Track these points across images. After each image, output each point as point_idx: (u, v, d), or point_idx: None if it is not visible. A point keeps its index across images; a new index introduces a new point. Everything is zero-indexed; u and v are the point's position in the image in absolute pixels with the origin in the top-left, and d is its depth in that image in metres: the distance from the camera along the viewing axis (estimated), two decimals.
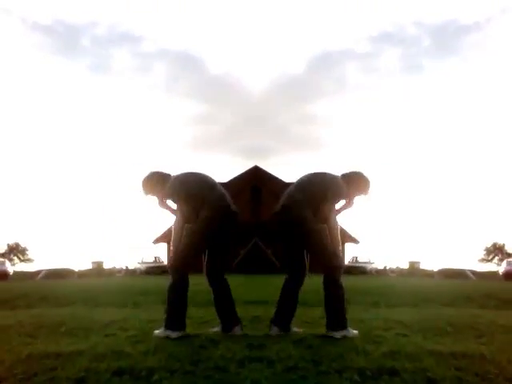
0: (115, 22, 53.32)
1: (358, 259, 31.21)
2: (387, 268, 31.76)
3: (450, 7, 54.41)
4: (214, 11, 51.85)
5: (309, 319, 4.13)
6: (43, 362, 2.49)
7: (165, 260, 30.42)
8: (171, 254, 3.46)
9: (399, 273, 31.33)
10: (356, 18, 54.10)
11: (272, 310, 3.47)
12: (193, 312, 4.61)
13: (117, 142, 59.35)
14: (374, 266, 30.73)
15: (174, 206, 3.47)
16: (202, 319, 4.10)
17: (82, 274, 29.85)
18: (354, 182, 3.46)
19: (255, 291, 8.04)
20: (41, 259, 49.47)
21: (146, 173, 3.51)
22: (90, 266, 33.09)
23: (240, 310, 3.88)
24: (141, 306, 5.65)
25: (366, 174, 3.52)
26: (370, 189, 3.49)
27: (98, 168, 56.48)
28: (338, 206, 3.50)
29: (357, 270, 27.29)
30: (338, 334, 3.20)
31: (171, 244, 3.47)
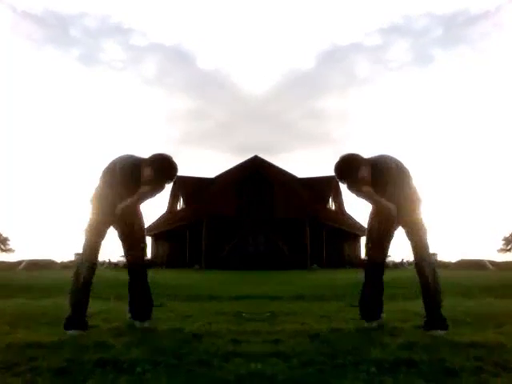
0: (106, 13, 52.81)
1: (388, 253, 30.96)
2: (404, 261, 31.50)
3: None
4: (218, 6, 51.42)
5: (325, 313, 4.11)
6: (24, 352, 2.48)
7: (149, 253, 30.58)
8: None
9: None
10: (365, 10, 53.27)
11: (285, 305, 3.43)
12: (176, 306, 4.74)
13: (104, 134, 59.14)
14: (390, 259, 30.53)
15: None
16: (186, 313, 4.12)
17: (65, 266, 29.65)
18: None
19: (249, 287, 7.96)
20: (22, 250, 48.96)
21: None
22: (72, 258, 32.51)
23: (226, 306, 3.90)
24: (124, 299, 5.48)
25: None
26: None
27: (85, 159, 55.89)
28: None
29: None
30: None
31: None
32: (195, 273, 17.36)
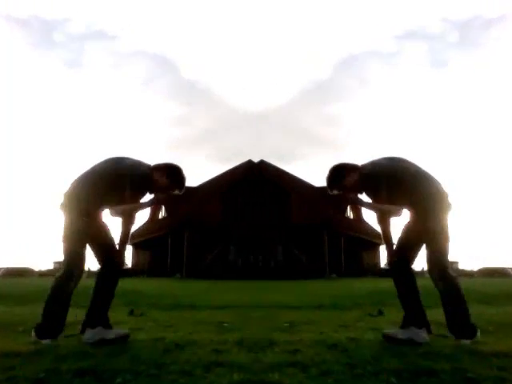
0: (91, 19, 53.28)
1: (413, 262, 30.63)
2: (424, 269, 31.06)
3: (473, 1, 52.74)
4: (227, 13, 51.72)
5: (344, 322, 4.06)
6: (0, 361, 2.44)
7: (130, 263, 30.49)
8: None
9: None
10: (380, 17, 53.17)
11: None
12: (157, 315, 4.70)
13: (86, 140, 59.38)
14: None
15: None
16: (166, 323, 4.09)
17: (43, 274, 29.58)
18: None
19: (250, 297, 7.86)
20: (0, 258, 48.04)
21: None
22: (51, 266, 33.11)
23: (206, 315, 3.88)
24: None
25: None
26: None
27: (67, 165, 55.82)
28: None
29: None
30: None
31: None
32: (176, 282, 17.24)
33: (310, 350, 2.78)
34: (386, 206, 3.22)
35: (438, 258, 3.09)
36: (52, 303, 3.04)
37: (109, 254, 3.28)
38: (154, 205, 3.35)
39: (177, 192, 3.29)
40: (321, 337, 3.31)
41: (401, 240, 3.31)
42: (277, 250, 25.62)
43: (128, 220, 3.28)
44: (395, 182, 3.13)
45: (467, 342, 2.93)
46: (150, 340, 3.17)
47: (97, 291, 3.25)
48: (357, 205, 3.36)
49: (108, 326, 3.18)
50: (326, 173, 3.30)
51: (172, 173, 3.25)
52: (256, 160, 27.86)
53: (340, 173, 3.24)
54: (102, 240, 3.26)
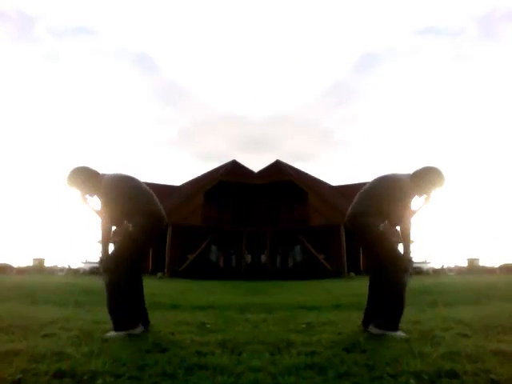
0: (72, 15, 52.90)
1: (414, 259, 30.23)
2: (445, 267, 30.59)
3: None
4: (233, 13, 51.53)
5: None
6: None
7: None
8: (105, 255, 3.46)
9: (458, 271, 30.17)
10: (397, 14, 52.48)
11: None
12: None
13: (65, 139, 59.08)
14: (430, 265, 29.68)
15: (97, 205, 3.50)
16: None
17: (21, 271, 29.23)
18: (424, 178, 3.48)
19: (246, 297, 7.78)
20: None
21: (76, 166, 3.53)
22: (30, 263, 32.88)
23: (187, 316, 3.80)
24: (83, 306, 5.36)
25: (436, 167, 3.52)
26: (445, 181, 3.48)
27: (46, 163, 55.33)
28: (415, 205, 3.53)
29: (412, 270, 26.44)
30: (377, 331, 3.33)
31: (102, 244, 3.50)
32: (158, 281, 17.27)
33: (327, 352, 2.73)
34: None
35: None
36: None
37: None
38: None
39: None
40: (339, 337, 3.25)
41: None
42: (295, 249, 25.54)
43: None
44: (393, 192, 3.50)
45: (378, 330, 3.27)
46: (131, 340, 3.09)
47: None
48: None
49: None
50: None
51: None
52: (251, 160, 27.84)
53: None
54: None
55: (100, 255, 3.48)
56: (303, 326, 3.90)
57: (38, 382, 2.05)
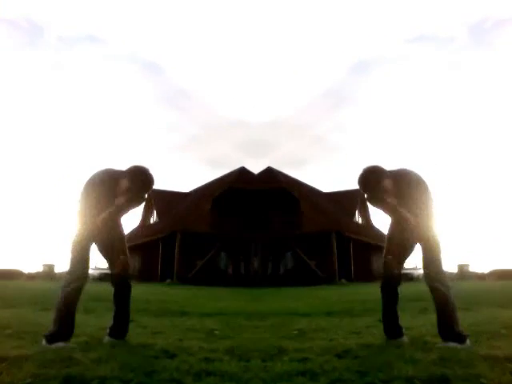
0: (80, 22, 52.75)
1: (404, 266, 30.34)
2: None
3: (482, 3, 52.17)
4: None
5: (355, 329, 4.01)
6: None
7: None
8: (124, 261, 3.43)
9: (448, 277, 30.18)
10: (390, 22, 52.93)
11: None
12: (146, 321, 4.60)
13: (75, 145, 58.42)
14: (420, 271, 29.79)
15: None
16: (156, 329, 4.03)
17: (31, 276, 29.25)
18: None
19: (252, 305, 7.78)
20: None
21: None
22: (40, 269, 32.95)
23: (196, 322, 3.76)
24: (92, 312, 5.37)
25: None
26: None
27: (57, 168, 54.76)
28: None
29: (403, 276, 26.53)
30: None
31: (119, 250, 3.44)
32: (167, 287, 17.23)
33: (319, 358, 2.73)
34: (409, 216, 3.21)
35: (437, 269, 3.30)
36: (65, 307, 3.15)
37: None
38: (117, 212, 3.31)
39: (141, 195, 3.30)
40: (331, 344, 3.25)
41: (399, 242, 3.45)
42: (286, 256, 25.52)
43: (112, 229, 3.37)
44: (421, 193, 3.21)
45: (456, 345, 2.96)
46: (139, 346, 3.11)
47: (123, 301, 3.39)
48: (392, 211, 3.32)
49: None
50: (360, 174, 3.28)
51: (133, 175, 3.25)
52: (254, 167, 27.98)
53: (378, 174, 3.26)
54: (112, 246, 3.41)
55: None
56: (295, 332, 3.91)
57: None
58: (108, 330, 3.36)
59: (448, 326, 3.08)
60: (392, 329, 3.37)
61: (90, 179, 3.29)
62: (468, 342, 3.00)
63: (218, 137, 53.55)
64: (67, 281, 3.16)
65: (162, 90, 53.36)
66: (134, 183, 3.23)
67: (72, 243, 3.19)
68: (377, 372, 2.31)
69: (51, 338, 3.00)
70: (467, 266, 32.40)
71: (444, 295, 3.18)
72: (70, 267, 3.18)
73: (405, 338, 3.29)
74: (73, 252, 3.19)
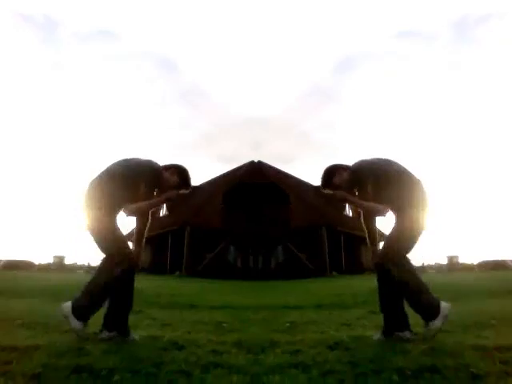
0: (93, 19, 52.62)
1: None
2: (425, 265, 31.04)
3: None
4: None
5: (346, 321, 4.04)
6: None
7: None
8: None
9: (438, 269, 30.58)
10: (375, 18, 53.03)
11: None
12: (155, 313, 4.67)
13: (88, 140, 58.76)
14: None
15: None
16: (165, 321, 4.06)
17: (42, 268, 29.19)
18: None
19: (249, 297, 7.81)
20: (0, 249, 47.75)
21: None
22: (50, 260, 32.95)
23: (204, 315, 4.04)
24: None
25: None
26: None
27: (68, 163, 54.92)
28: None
29: None
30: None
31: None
32: (176, 280, 17.24)
33: (311, 350, 2.75)
34: (372, 204, 3.21)
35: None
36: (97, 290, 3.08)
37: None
38: (167, 201, 3.39)
39: (183, 191, 3.39)
40: (322, 336, 3.28)
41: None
42: (277, 249, 25.54)
43: (143, 218, 3.36)
44: (381, 180, 3.19)
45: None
46: (148, 338, 3.13)
47: (113, 292, 3.18)
48: (344, 201, 3.35)
49: (124, 333, 3.10)
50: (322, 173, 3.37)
51: (182, 172, 3.39)
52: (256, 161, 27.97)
53: (331, 172, 3.33)
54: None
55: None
56: (287, 325, 3.93)
57: (58, 377, 2.09)
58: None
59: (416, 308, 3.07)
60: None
61: (112, 168, 3.29)
62: (441, 316, 2.99)
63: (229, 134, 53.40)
64: (111, 264, 3.09)
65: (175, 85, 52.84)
66: (182, 180, 3.36)
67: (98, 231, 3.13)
68: (368, 363, 2.34)
69: (75, 310, 3.00)
70: (457, 257, 32.70)
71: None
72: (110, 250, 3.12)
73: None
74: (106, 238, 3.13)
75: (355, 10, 51.03)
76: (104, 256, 3.16)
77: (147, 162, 3.35)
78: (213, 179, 31.07)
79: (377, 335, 3.14)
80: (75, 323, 2.99)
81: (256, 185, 25.09)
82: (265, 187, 25.68)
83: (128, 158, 3.39)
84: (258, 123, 49.09)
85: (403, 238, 3.14)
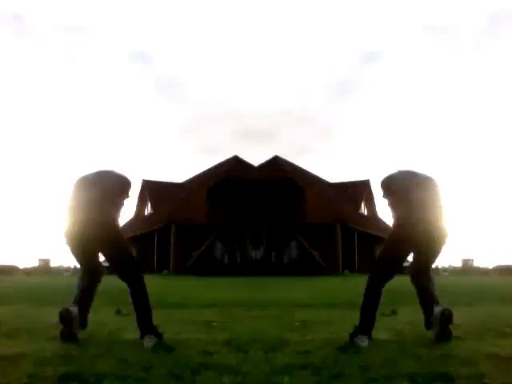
0: (74, 15, 51.86)
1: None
2: (439, 267, 30.70)
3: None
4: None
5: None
6: None
7: None
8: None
9: (452, 271, 30.23)
10: (398, 12, 52.15)
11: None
12: None
13: (71, 135, 58.19)
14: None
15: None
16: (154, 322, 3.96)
17: (27, 272, 29.21)
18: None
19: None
20: None
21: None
22: (36, 264, 33.26)
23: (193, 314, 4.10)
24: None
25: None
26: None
27: (53, 164, 54.47)
28: None
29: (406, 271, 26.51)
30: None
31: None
32: (163, 279, 17.16)
33: (321, 352, 2.71)
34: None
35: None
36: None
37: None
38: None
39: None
40: (333, 337, 3.23)
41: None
42: (290, 246, 25.49)
43: None
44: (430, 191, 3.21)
45: None
46: (137, 341, 3.03)
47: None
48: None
49: (159, 335, 3.06)
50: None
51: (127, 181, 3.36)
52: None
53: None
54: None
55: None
56: (297, 324, 3.90)
57: None
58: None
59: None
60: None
61: (104, 182, 3.26)
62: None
63: (214, 126, 53.47)
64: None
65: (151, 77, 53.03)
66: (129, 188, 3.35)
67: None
68: (379, 368, 2.28)
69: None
70: (471, 260, 32.32)
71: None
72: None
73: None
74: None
75: (379, 4, 50.46)
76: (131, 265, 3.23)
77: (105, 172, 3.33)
78: (196, 175, 30.96)
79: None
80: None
81: (241, 181, 24.89)
82: (280, 183, 25.61)
83: (105, 170, 3.34)
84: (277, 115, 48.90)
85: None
